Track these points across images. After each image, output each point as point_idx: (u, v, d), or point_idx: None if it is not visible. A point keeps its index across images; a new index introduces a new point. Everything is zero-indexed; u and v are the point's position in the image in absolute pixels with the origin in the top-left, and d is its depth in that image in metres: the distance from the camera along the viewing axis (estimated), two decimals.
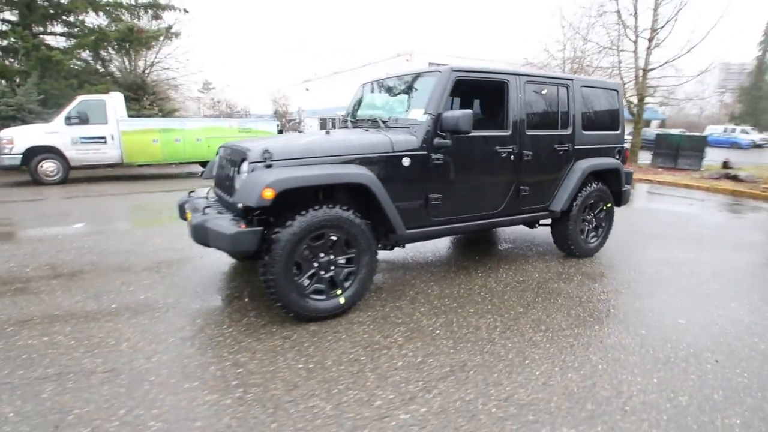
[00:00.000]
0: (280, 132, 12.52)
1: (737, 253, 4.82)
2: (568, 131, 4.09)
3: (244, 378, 2.25)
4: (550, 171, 4.03)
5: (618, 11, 14.36)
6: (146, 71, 18.32)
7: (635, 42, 14.39)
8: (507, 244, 4.94)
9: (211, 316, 2.96)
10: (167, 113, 16.86)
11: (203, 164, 12.16)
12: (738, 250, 4.98)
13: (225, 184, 3.21)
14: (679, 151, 14.21)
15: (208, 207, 3.01)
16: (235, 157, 3.00)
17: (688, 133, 18.23)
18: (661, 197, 9.17)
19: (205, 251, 4.36)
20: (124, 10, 14.57)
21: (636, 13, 14.11)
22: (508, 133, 3.68)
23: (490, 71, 3.64)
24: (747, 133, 28.74)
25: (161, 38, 15.65)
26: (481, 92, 3.65)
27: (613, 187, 4.50)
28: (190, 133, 10.80)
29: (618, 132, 4.58)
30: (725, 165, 13.81)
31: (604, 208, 4.50)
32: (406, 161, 3.18)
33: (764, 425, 1.97)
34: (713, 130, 29.30)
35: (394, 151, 3.13)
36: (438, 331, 2.81)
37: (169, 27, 15.99)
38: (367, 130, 3.47)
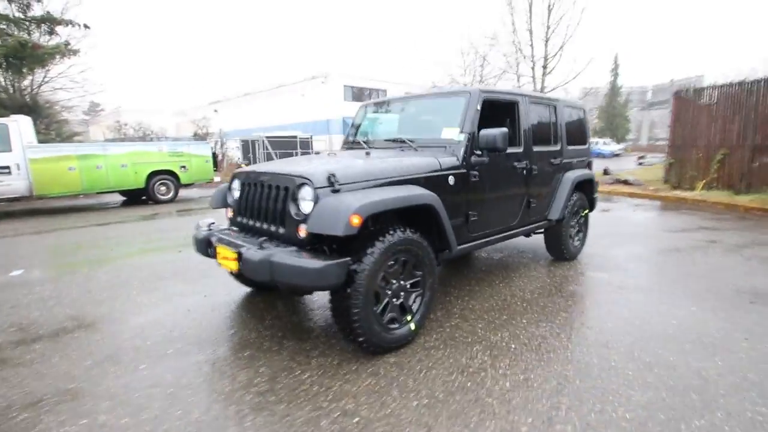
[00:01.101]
0: (214, 156, 11.52)
1: (681, 245, 5.54)
2: (558, 146, 4.37)
3: (368, 427, 1.96)
4: (549, 183, 4.26)
5: (518, 42, 15.98)
6: (34, 91, 15.68)
7: (533, 68, 16.12)
8: (499, 254, 5.09)
9: (272, 363, 2.55)
10: (66, 138, 14.59)
11: (125, 193, 10.71)
12: (677, 241, 5.73)
13: (264, 213, 2.82)
14: None
15: (265, 240, 2.60)
16: (286, 183, 2.66)
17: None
18: None
19: (209, 289, 3.82)
20: (11, 24, 12.33)
21: (532, 44, 15.86)
22: (521, 149, 3.81)
23: (507, 92, 3.75)
24: (608, 144, 33.67)
25: (59, 56, 13.53)
26: (495, 111, 3.73)
27: (588, 195, 4.90)
28: (114, 159, 9.43)
29: (587, 146, 5.02)
30: (606, 172, 15.97)
31: (583, 214, 4.87)
32: (451, 180, 3.11)
33: None
34: None
35: (441, 170, 3.05)
36: (513, 346, 2.75)
37: (67, 43, 13.93)
38: (402, 150, 3.33)
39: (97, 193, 10.07)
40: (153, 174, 10.03)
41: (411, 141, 3.44)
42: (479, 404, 2.13)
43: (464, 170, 3.21)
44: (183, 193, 11.76)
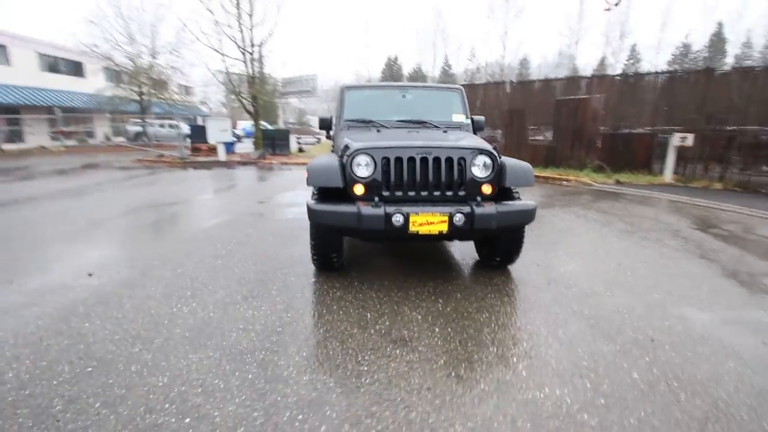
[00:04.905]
0: None
1: None
2: None
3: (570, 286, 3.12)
4: None
5: (228, 24, 15.33)
6: None
7: (244, 55, 16.00)
8: None
9: (468, 290, 3.02)
10: None
11: None
12: None
13: (436, 180, 3.00)
14: (274, 140, 17.46)
15: (476, 200, 2.92)
16: (461, 155, 2.97)
17: (277, 128, 22.09)
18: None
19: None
20: None
21: (241, 29, 15.63)
22: None
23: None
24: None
25: None
26: None
27: None
28: None
29: None
30: (300, 150, 18.76)
31: None
32: None
33: None
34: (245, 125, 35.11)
35: None
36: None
37: None
38: (445, 131, 3.94)
39: None
40: None
41: (428, 122, 4.09)
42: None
43: None
44: None
